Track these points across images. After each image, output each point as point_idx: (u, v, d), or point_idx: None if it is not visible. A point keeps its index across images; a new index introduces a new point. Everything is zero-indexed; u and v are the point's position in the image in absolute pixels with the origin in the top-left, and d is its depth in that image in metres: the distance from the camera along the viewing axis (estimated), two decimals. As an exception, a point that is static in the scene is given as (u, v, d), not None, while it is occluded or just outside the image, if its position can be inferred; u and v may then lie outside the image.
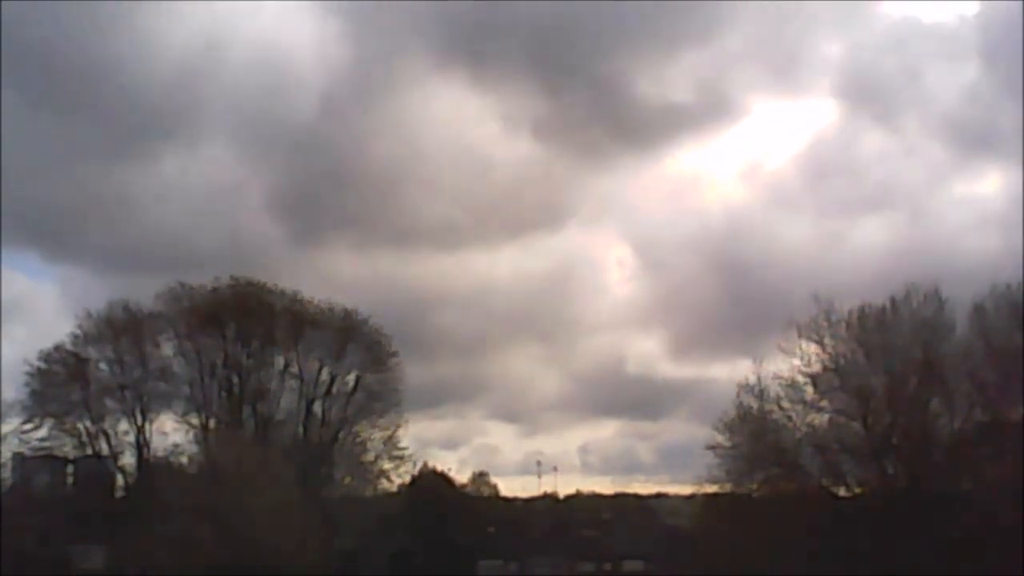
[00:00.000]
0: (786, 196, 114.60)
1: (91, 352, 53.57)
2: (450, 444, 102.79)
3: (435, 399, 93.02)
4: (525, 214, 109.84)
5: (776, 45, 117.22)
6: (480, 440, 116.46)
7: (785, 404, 42.09)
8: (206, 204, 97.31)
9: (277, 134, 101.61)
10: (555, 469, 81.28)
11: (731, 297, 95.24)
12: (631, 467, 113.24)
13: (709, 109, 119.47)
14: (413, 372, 61.80)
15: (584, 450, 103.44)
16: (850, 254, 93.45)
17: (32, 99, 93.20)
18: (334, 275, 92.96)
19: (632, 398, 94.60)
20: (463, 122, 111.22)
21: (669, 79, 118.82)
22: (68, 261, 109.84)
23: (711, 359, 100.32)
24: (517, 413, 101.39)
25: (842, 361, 41.24)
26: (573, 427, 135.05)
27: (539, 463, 78.58)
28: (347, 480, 57.00)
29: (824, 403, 41.49)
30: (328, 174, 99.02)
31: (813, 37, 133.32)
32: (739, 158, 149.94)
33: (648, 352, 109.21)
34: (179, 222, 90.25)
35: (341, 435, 55.81)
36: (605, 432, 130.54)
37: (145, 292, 55.75)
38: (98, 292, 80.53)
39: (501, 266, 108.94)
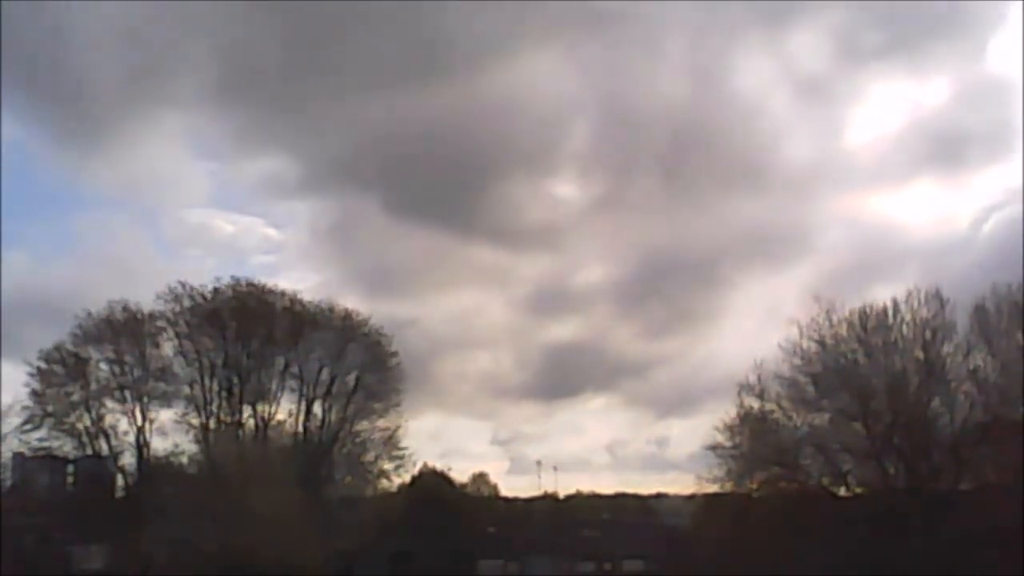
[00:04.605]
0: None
1: (91, 352, 53.48)
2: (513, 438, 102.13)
3: (582, 384, 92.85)
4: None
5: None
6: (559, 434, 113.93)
7: (785, 404, 42.16)
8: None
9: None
10: (555, 469, 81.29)
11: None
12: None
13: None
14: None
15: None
16: None
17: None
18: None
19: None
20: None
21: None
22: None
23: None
24: (648, 399, 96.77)
25: (842, 361, 41.24)
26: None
27: (539, 463, 78.54)
28: (347, 480, 57.00)
29: (824, 403, 41.48)
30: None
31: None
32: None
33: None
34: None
35: (341, 435, 55.79)
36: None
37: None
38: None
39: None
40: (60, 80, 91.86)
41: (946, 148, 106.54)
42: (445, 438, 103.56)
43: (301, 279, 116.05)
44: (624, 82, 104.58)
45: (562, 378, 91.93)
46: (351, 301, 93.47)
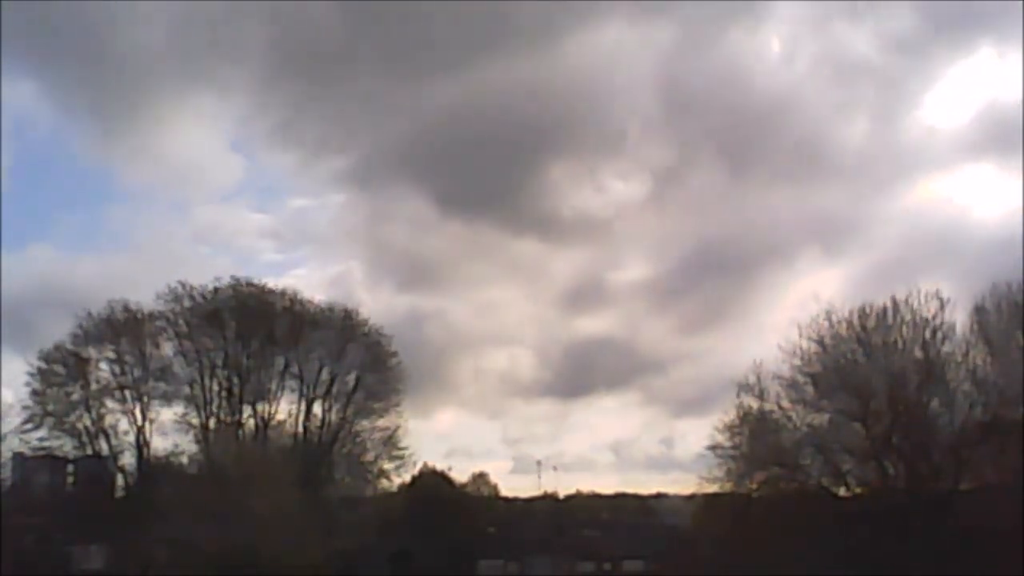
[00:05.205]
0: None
1: (91, 352, 53.59)
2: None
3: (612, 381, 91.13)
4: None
5: None
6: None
7: (785, 404, 42.12)
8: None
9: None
10: (555, 468, 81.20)
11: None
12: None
13: None
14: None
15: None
16: None
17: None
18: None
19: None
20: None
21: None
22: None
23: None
24: (667, 398, 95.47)
25: (842, 361, 41.20)
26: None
27: (539, 463, 78.53)
28: (347, 480, 57.03)
29: (824, 403, 41.44)
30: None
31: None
32: None
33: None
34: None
35: (341, 435, 55.82)
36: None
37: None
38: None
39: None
40: (97, 64, 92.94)
41: (1010, 136, 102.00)
42: (456, 436, 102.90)
43: (321, 274, 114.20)
44: (679, 72, 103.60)
45: (582, 376, 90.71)
46: (377, 294, 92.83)
